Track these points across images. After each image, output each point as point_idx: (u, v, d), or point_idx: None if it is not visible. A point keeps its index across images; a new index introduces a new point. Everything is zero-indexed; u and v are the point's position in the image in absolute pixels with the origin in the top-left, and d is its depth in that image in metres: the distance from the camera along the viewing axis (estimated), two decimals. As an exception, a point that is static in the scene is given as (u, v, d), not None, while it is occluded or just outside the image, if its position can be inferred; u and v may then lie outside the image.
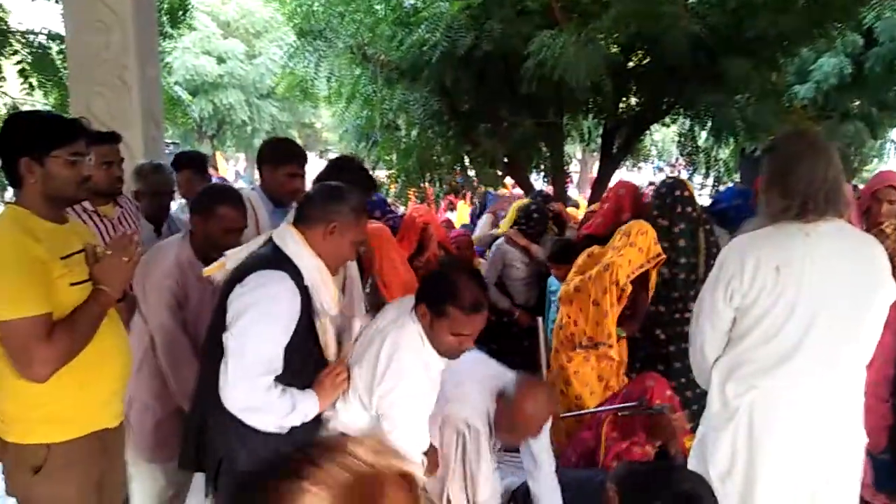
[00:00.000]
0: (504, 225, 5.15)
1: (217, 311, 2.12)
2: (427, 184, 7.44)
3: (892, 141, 12.62)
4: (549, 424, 2.56)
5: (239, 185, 17.04)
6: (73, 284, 1.93)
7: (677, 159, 10.17)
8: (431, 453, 2.30)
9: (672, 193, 3.75)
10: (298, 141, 22.54)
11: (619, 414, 3.04)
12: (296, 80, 6.49)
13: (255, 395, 1.97)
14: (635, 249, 3.52)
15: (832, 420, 1.98)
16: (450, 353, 2.16)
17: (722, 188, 12.05)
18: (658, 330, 3.76)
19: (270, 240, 2.13)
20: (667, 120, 6.98)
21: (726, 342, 2.07)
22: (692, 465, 2.19)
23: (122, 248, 2.02)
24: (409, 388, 2.09)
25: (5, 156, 1.94)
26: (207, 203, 2.56)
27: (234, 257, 2.17)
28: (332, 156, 17.86)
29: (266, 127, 16.40)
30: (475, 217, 8.77)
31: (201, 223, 2.56)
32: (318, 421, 2.17)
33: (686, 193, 3.73)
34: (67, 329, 1.89)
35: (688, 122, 6.80)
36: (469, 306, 2.06)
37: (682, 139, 7.01)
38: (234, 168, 21.27)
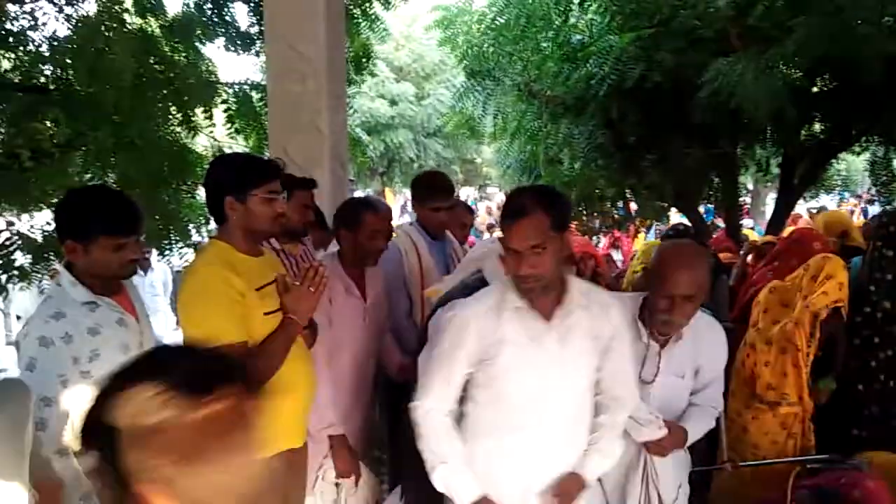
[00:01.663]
0: (633, 267, 4.72)
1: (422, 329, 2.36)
2: (589, 217, 7.40)
3: None
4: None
5: (405, 218, 17.84)
6: (266, 314, 2.07)
7: (869, 189, 9.28)
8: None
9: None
10: (459, 176, 23.30)
11: (808, 466, 2.79)
12: (464, 119, 6.76)
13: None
14: (821, 294, 3.26)
15: None
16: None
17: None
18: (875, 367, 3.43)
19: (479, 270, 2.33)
20: (856, 148, 6.44)
21: None
22: None
23: (310, 279, 2.13)
24: None
25: (211, 194, 2.13)
26: (352, 214, 2.68)
27: (449, 282, 2.40)
28: (490, 190, 18.12)
29: (431, 163, 17.12)
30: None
31: (350, 235, 2.66)
32: None
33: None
34: (261, 356, 2.02)
35: (882, 150, 6.22)
36: (506, 214, 1.92)
37: (875, 167, 6.41)
38: (400, 203, 22.32)
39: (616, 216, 7.47)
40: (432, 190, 3.16)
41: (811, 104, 5.65)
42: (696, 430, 2.38)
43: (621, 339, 2.04)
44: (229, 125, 4.90)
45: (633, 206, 7.41)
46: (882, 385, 3.38)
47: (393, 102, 15.91)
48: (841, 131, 5.87)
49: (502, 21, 5.67)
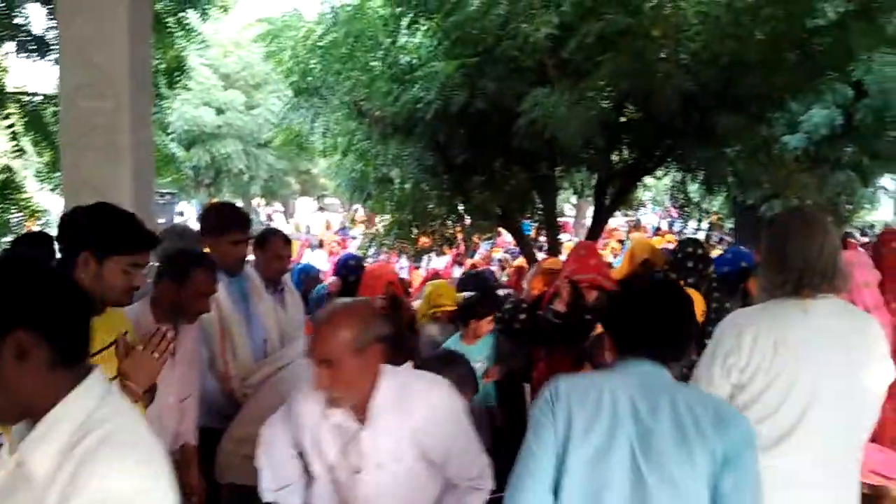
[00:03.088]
0: (422, 310, 4.50)
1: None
2: (423, 236, 7.49)
3: (884, 188, 12.74)
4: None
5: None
6: None
7: (668, 210, 10.25)
8: None
9: (684, 249, 3.81)
10: (296, 187, 22.69)
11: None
12: (292, 135, 6.56)
13: None
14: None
15: (830, 501, 1.92)
16: None
17: (713, 233, 12.14)
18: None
19: None
20: (658, 172, 7.04)
21: None
22: None
23: (155, 345, 2.00)
24: None
25: (68, 239, 1.94)
26: (181, 267, 2.51)
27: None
28: (329, 201, 17.71)
29: (263, 174, 16.54)
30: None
31: (173, 287, 2.49)
32: None
33: (699, 252, 3.76)
34: None
35: (679, 175, 6.85)
36: None
37: (674, 191, 7.06)
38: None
39: (446, 235, 7.60)
40: (228, 223, 2.99)
41: (619, 132, 6.09)
42: None
43: None
44: (14, 141, 4.34)
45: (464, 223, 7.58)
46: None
47: (220, 111, 15.15)
48: (645, 157, 6.39)
49: (330, 39, 5.56)
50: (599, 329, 3.48)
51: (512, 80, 5.25)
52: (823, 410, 1.89)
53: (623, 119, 6.10)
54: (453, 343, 4.00)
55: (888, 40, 6.61)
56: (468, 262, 10.34)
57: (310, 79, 5.74)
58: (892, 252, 3.70)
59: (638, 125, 5.98)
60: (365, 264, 4.82)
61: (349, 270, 4.36)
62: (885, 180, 12.42)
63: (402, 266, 10.17)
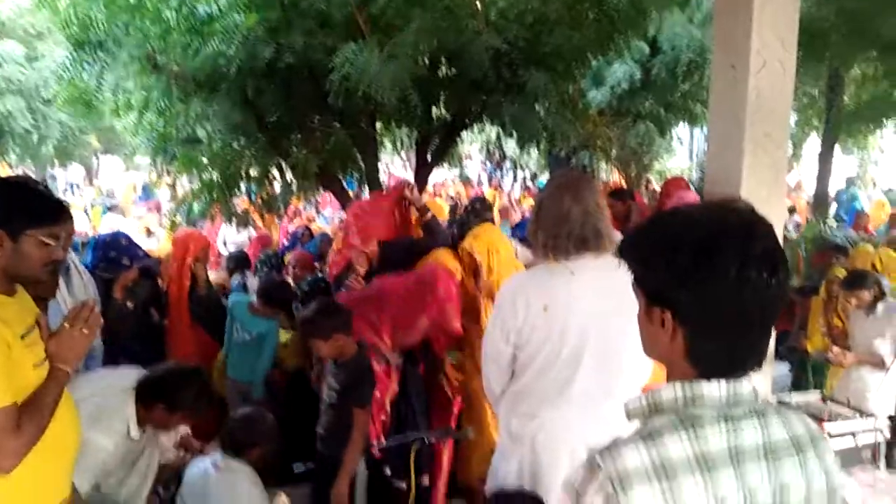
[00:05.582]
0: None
1: None
2: (238, 199, 7.10)
3: (679, 138, 14.01)
4: None
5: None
6: (36, 366, 1.84)
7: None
8: None
9: (467, 207, 4.06)
10: (99, 146, 20.54)
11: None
12: (77, 93, 5.83)
13: None
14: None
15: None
16: None
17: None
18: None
19: None
20: (475, 128, 7.15)
21: (512, 375, 2.12)
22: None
23: (82, 320, 1.91)
24: None
25: None
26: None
27: None
28: (141, 160, 16.13)
29: (56, 134, 14.73)
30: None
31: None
32: None
33: (477, 206, 4.00)
34: (32, 416, 1.81)
35: (495, 131, 7.01)
36: None
37: (490, 147, 7.23)
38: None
39: (265, 196, 7.26)
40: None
41: (436, 89, 6.08)
42: None
43: None
44: None
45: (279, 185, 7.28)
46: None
47: (-6, 64, 13.16)
48: (462, 114, 6.46)
49: (113, -14, 4.97)
50: None
51: (322, 34, 5.02)
52: (597, 361, 2.03)
53: (439, 76, 6.09)
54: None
55: (677, 1, 7.17)
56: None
57: (92, 30, 5.10)
58: (673, 202, 4.05)
59: (453, 82, 5.99)
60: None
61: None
62: (681, 130, 13.65)
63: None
